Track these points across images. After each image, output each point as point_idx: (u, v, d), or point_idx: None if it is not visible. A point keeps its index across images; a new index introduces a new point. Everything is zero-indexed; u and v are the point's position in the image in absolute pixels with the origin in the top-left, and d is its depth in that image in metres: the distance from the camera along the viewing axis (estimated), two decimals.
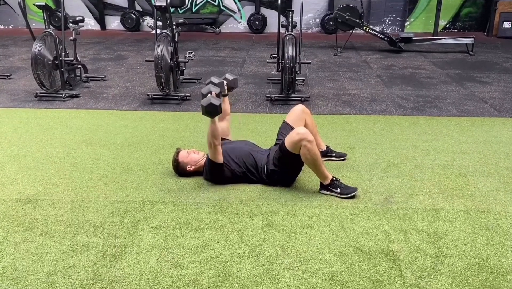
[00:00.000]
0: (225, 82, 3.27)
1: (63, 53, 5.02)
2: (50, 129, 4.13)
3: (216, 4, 10.35)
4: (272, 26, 10.23)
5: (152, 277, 2.14)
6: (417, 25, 10.26)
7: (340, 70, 6.50)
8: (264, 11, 10.22)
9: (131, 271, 2.18)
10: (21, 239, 2.45)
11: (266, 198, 2.88)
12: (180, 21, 5.38)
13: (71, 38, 5.50)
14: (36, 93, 5.02)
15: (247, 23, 10.20)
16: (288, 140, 2.85)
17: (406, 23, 10.24)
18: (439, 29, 9.88)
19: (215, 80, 3.15)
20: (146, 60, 4.91)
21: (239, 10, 10.37)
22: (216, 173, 3.00)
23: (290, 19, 5.01)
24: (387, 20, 10.28)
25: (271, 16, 10.21)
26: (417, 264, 2.23)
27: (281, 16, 5.37)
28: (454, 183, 3.07)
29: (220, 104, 2.76)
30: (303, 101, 4.86)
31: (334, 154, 3.45)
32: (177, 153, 3.16)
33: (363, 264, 2.24)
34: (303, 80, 5.62)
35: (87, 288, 2.07)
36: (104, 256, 2.30)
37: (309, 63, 5.31)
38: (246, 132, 3.97)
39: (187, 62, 5.21)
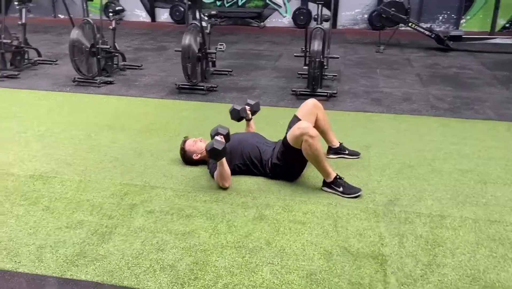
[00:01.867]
0: (247, 107, 3.32)
1: (100, 41, 5.20)
2: (79, 113, 4.32)
3: None
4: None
5: (133, 259, 2.18)
6: (473, 23, 9.67)
7: (378, 67, 6.27)
8: (311, 5, 10.05)
9: (115, 251, 2.23)
10: (23, 212, 2.58)
11: (265, 190, 2.84)
12: (213, 12, 5.42)
13: (111, 27, 5.69)
14: (74, 78, 5.26)
15: (292, 18, 10.09)
16: (290, 135, 2.78)
17: (462, 21, 9.68)
18: (497, 28, 9.26)
19: (237, 107, 3.24)
20: (175, 50, 4.99)
21: (284, 4, 10.28)
22: None
23: (319, 11, 4.87)
24: (440, 18, 9.77)
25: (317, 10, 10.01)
26: (404, 270, 2.11)
27: (324, 9, 5.22)
28: (470, 190, 2.87)
29: (224, 148, 2.71)
30: (329, 97, 4.74)
31: (347, 152, 3.34)
32: (184, 141, 3.19)
33: (347, 265, 2.15)
34: (335, 75, 5.47)
35: (70, 263, 2.14)
36: (94, 235, 2.37)
37: (337, 58, 5.15)
38: (263, 125, 3.91)
39: (215, 53, 5.23)
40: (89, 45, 5.14)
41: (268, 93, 5.03)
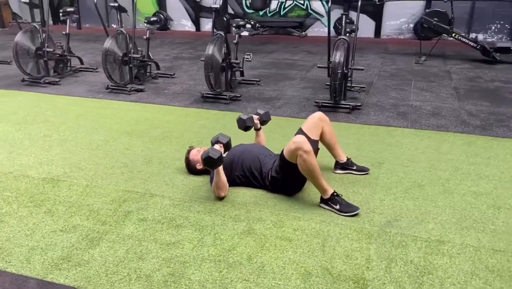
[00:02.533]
0: (256, 116, 3.31)
1: (132, 50, 5.40)
2: (104, 119, 4.50)
3: (304, 7, 10.29)
4: (360, 31, 9.81)
5: (113, 266, 2.22)
6: None
7: (414, 79, 6.03)
8: (353, 15, 9.86)
9: (98, 257, 2.29)
10: (27, 213, 2.72)
11: (261, 204, 2.81)
12: (241, 23, 5.46)
13: (145, 37, 5.90)
14: (107, 86, 5.50)
15: (333, 27, 9.95)
16: (286, 149, 2.74)
17: None
18: None
19: (244, 116, 3.22)
20: (201, 60, 5.08)
21: (327, 13, 10.15)
22: None
23: (343, 22, 4.76)
24: (492, 28, 9.25)
25: (360, 20, 9.81)
26: None
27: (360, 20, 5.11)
28: (480, 214, 2.67)
29: (219, 156, 2.71)
30: (352, 109, 4.62)
31: (354, 167, 3.23)
32: (189, 151, 3.23)
33: (324, 287, 2.07)
34: (363, 87, 5.32)
35: (54, 266, 2.23)
36: (84, 240, 2.45)
37: (362, 69, 5.00)
38: (278, 135, 3.90)
39: (239, 63, 5.25)
40: (121, 54, 5.35)
41: (291, 104, 4.98)
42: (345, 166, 3.23)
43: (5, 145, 3.83)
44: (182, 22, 11.33)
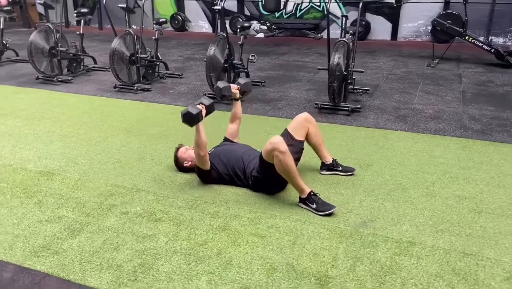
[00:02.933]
0: (234, 86, 3.31)
1: (139, 50, 5.55)
2: (107, 116, 4.65)
3: (321, 9, 10.27)
4: (376, 33, 9.81)
5: (88, 256, 2.32)
6: None
7: (422, 82, 5.96)
8: (369, 17, 9.82)
9: (76, 247, 2.40)
10: (18, 204, 2.86)
11: (241, 202, 2.87)
12: (246, 24, 5.52)
13: (154, 37, 6.04)
14: (115, 85, 5.66)
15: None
16: (264, 149, 2.79)
17: None
18: None
19: (220, 84, 3.21)
20: (204, 61, 5.17)
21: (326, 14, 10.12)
22: (203, 177, 3.08)
23: (343, 24, 4.77)
24: None
25: (376, 22, 9.78)
26: None
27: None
28: (459, 218, 2.65)
29: (198, 113, 2.79)
30: (351, 111, 4.62)
31: (340, 168, 3.25)
32: (178, 148, 3.31)
33: (285, 282, 2.11)
34: (367, 90, 5.30)
35: (33, 253, 2.34)
36: (66, 230, 2.56)
37: (362, 71, 4.97)
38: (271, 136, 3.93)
39: (240, 63, 5.30)
40: (129, 54, 5.50)
41: (292, 105, 5.02)
42: (331, 166, 3.25)
43: (11, 139, 4.01)
44: (200, 23, 11.49)
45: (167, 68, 6.41)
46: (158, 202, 2.87)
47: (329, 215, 2.68)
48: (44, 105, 5.11)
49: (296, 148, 3.08)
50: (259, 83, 5.87)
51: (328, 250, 2.36)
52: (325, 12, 10.22)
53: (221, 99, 3.28)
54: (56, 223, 2.63)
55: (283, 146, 2.66)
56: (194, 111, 2.76)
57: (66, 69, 6.41)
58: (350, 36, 4.95)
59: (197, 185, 3.10)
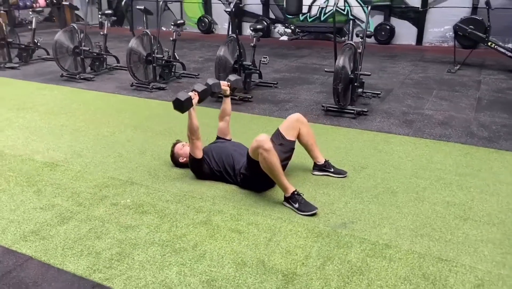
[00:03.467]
0: (224, 82, 3.38)
1: (156, 50, 5.72)
2: (119, 113, 4.83)
3: (345, 13, 10.21)
4: (400, 37, 9.65)
5: (71, 242, 2.45)
6: None
7: (438, 88, 5.84)
8: (394, 21, 9.68)
9: (62, 234, 2.53)
10: (19, 191, 3.04)
11: (228, 198, 2.93)
12: (258, 26, 5.59)
13: (171, 38, 6.21)
14: (132, 83, 5.86)
15: (373, 34, 9.80)
16: (250, 147, 2.84)
17: None
18: None
19: (210, 81, 3.29)
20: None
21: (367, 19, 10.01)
22: (195, 167, 3.16)
23: (350, 27, 4.75)
24: None
25: (401, 26, 9.62)
26: (310, 288, 2.05)
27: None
28: (442, 224, 2.62)
29: (187, 99, 2.89)
30: (356, 114, 4.60)
31: (332, 170, 3.26)
32: (174, 144, 3.42)
33: (252, 277, 2.16)
34: (377, 94, 5.25)
35: (22, 238, 2.49)
36: (57, 218, 2.70)
37: (369, 75, 4.91)
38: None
39: (250, 64, 5.36)
40: (145, 54, 5.68)
41: (299, 107, 5.04)
42: (323, 167, 3.26)
43: (26, 131, 4.24)
44: (225, 26, 11.63)
45: (184, 68, 6.57)
46: (148, 195, 2.98)
47: (311, 215, 2.70)
48: (63, 101, 5.35)
49: (286, 148, 3.12)
50: (272, 85, 5.92)
51: (302, 248, 2.39)
52: (350, 16, 10.17)
53: (211, 95, 3.33)
54: (49, 211, 2.78)
55: (267, 143, 2.71)
56: (182, 97, 2.85)
57: (89, 67, 6.66)
58: (362, 38, 4.91)
59: (190, 179, 3.18)
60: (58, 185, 3.13)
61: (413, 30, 9.66)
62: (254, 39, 5.58)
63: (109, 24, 6.82)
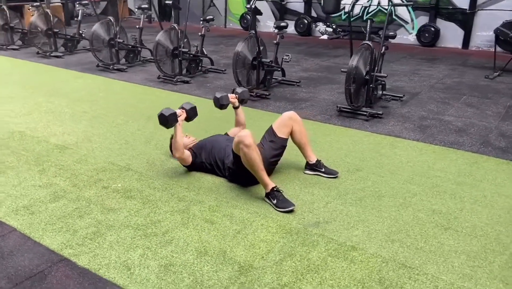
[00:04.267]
0: (232, 95, 3.41)
1: (182, 44, 5.89)
2: (139, 103, 5.04)
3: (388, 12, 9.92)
4: (445, 40, 9.27)
5: (55, 219, 2.63)
6: None
7: (468, 94, 5.58)
8: (440, 23, 9.29)
9: (50, 211, 2.71)
10: (25, 169, 3.28)
11: (213, 190, 3.01)
12: (282, 24, 5.60)
13: (200, 33, 6.36)
14: (159, 76, 6.08)
15: (416, 35, 9.48)
16: (233, 142, 2.89)
17: None
18: None
19: (218, 94, 3.33)
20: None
21: (412, 20, 9.70)
22: (188, 166, 3.26)
23: (368, 28, 4.65)
24: None
25: (447, 28, 9.23)
26: (255, 283, 2.08)
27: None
28: (419, 231, 2.55)
29: (171, 114, 2.96)
30: (369, 116, 4.51)
31: (323, 170, 3.24)
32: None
33: (209, 266, 2.22)
34: (399, 97, 5.10)
35: (14, 212, 2.70)
36: (50, 196, 2.90)
37: (385, 77, 4.75)
38: None
39: (269, 62, 5.38)
40: (172, 48, 5.87)
41: (315, 106, 5.02)
42: (314, 167, 3.25)
43: (49, 116, 4.54)
44: (268, 23, 11.69)
45: (212, 63, 6.71)
46: (139, 181, 3.11)
47: (288, 212, 2.72)
48: (93, 89, 5.65)
49: (277, 145, 3.15)
50: (294, 83, 5.91)
51: (267, 243, 2.41)
52: (393, 16, 9.89)
53: (220, 108, 3.38)
54: (46, 189, 2.99)
55: (247, 139, 2.75)
56: (167, 112, 2.94)
57: (124, 59, 6.97)
58: (385, 40, 4.79)
59: (183, 170, 3.29)
60: (61, 166, 3.34)
61: (460, 32, 9.24)
62: (278, 36, 5.60)
63: (145, 18, 7.09)
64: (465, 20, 9.06)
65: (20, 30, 8.51)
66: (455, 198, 2.94)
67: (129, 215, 2.68)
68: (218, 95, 3.34)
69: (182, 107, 3.16)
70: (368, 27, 4.64)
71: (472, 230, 2.56)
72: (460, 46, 9.27)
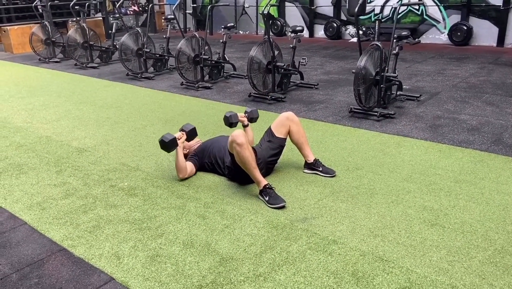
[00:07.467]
0: (241, 114, 3.48)
1: (203, 51, 6.12)
2: (159, 108, 5.29)
3: (419, 13, 9.76)
4: (479, 38, 9.00)
5: (62, 213, 2.86)
6: None
7: (491, 92, 5.42)
8: (473, 21, 9.02)
9: (59, 207, 2.95)
10: (45, 170, 3.57)
11: (211, 188, 3.15)
12: (298, 28, 5.69)
13: (221, 40, 6.57)
14: (182, 82, 6.33)
15: (448, 34, 9.24)
16: (228, 141, 3.02)
17: None
18: None
19: (228, 114, 3.40)
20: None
21: (444, 19, 9.47)
22: None
23: (377, 27, 4.64)
24: None
25: (481, 26, 8.95)
26: (225, 273, 2.20)
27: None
28: (404, 227, 2.56)
29: (171, 140, 3.13)
30: (380, 116, 4.50)
31: (321, 169, 3.30)
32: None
33: (192, 257, 2.35)
34: (416, 97, 5.05)
35: (28, 208, 2.96)
36: (62, 193, 3.15)
37: (395, 77, 4.69)
38: None
39: (284, 66, 5.47)
40: (193, 55, 6.10)
41: (329, 108, 5.06)
42: (312, 166, 3.32)
43: (75, 121, 4.87)
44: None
45: (234, 69, 6.89)
46: (144, 180, 3.31)
47: (279, 208, 2.81)
48: (120, 96, 5.98)
49: (274, 144, 3.26)
50: (312, 86, 5.98)
51: (251, 237, 2.52)
52: (424, 16, 9.70)
53: (230, 126, 3.44)
54: (59, 187, 3.24)
55: (240, 138, 2.88)
56: (167, 138, 3.13)
57: (152, 68, 7.30)
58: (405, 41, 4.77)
59: None
60: (77, 167, 3.61)
61: (494, 30, 8.93)
62: (294, 40, 5.69)
63: (171, 28, 7.40)
64: (499, 17, 8.75)
65: (61, 44, 9.09)
66: (450, 195, 2.91)
67: (128, 211, 2.87)
68: (227, 114, 3.44)
69: (182, 130, 3.34)
70: (376, 28, 4.63)
71: (460, 226, 2.55)
72: (494, 44, 8.95)
